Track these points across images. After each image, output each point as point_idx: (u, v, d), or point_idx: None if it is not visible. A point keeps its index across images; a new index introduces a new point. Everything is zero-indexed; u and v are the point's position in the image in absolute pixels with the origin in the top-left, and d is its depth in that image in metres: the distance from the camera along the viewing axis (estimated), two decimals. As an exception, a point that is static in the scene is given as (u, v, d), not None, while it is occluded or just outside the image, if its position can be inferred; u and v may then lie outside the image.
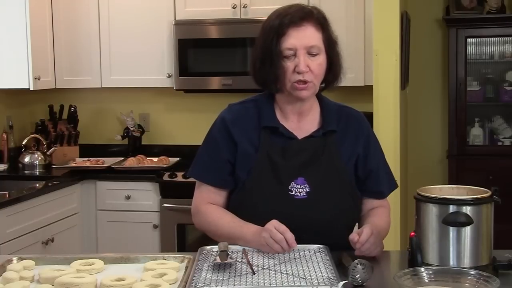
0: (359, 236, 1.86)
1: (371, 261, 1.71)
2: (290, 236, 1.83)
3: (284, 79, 1.95)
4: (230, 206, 2.04)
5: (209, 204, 2.04)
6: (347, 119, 2.08)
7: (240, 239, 1.93)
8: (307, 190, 1.97)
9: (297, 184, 1.97)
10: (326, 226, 1.97)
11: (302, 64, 1.92)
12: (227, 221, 1.99)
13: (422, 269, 1.62)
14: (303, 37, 1.93)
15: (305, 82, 1.94)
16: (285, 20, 1.94)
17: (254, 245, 1.89)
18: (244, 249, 1.88)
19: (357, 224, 2.09)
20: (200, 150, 2.09)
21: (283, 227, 1.84)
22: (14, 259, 1.85)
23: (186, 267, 1.76)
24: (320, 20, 1.98)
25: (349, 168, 2.03)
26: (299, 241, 1.90)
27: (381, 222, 2.05)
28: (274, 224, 1.85)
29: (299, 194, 1.96)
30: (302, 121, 2.04)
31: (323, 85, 2.04)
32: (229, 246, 1.87)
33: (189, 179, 3.79)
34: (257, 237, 1.87)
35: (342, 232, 2.04)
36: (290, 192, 1.96)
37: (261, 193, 1.96)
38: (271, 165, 1.97)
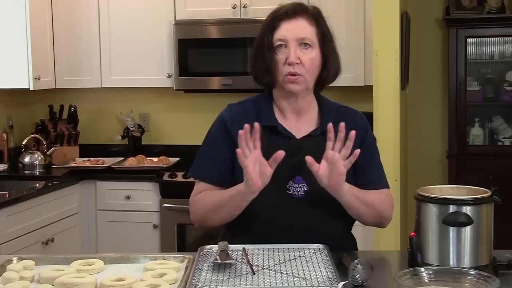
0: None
1: (371, 261, 1.71)
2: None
3: (276, 72, 1.97)
4: None
5: (201, 192, 2.05)
6: (345, 118, 2.07)
7: (233, 197, 1.91)
8: (305, 189, 1.97)
9: (295, 183, 1.97)
10: (325, 225, 1.97)
11: (292, 55, 1.93)
12: (220, 193, 1.98)
13: (422, 269, 1.62)
14: (294, 29, 1.95)
15: (295, 75, 1.94)
16: (278, 14, 1.98)
17: (245, 190, 1.86)
18: (244, 248, 1.88)
19: (356, 221, 2.09)
20: (199, 150, 2.10)
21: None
22: (14, 259, 1.85)
23: (186, 267, 1.76)
24: (314, 15, 2.00)
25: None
26: (298, 240, 1.90)
27: (375, 195, 2.01)
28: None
29: (297, 193, 1.97)
30: (300, 120, 2.05)
31: (319, 88, 2.04)
32: (229, 245, 1.87)
33: (189, 179, 3.79)
34: (244, 181, 1.85)
35: (341, 231, 2.04)
36: (288, 191, 1.97)
37: (259, 192, 1.96)
38: None
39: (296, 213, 1.95)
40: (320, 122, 2.05)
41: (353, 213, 1.98)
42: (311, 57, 1.96)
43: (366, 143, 2.07)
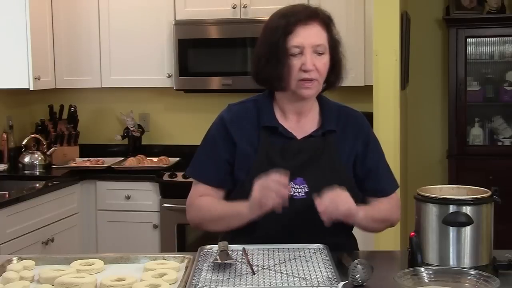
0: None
1: (371, 261, 1.71)
2: (277, 175, 1.80)
3: (289, 77, 1.94)
4: None
5: (201, 197, 2.05)
6: (346, 119, 2.08)
7: (234, 216, 1.92)
8: (306, 190, 1.97)
9: (296, 184, 1.97)
10: (325, 226, 1.96)
11: (309, 62, 1.92)
12: (220, 205, 1.99)
13: (422, 269, 1.62)
14: (310, 36, 1.94)
15: (310, 80, 1.94)
16: (292, 19, 1.94)
17: (247, 213, 1.87)
18: (244, 248, 1.88)
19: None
20: (198, 149, 2.10)
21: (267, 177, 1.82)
22: (14, 259, 1.85)
23: (186, 267, 1.76)
24: (325, 20, 1.99)
25: (348, 168, 2.03)
26: (299, 241, 1.90)
27: (377, 205, 2.03)
28: (259, 181, 1.83)
29: (298, 194, 1.96)
30: (301, 121, 2.04)
31: (324, 85, 2.05)
32: (229, 245, 1.87)
33: (189, 179, 3.78)
34: (250, 204, 1.85)
35: (342, 231, 2.04)
36: (288, 192, 1.96)
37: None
38: (270, 165, 1.97)
39: (297, 214, 1.94)
40: (321, 122, 2.05)
41: (368, 231, 2.01)
42: (324, 62, 1.96)
43: (371, 147, 2.08)
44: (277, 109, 2.05)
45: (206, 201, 2.03)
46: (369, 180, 2.06)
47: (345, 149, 2.03)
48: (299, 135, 2.02)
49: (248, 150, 1.99)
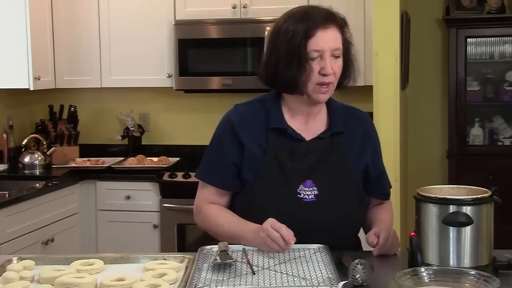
0: (378, 238, 1.92)
1: (371, 261, 1.71)
2: (286, 232, 1.82)
3: (308, 81, 1.92)
4: (238, 208, 2.03)
5: (210, 204, 2.04)
6: (354, 120, 2.07)
7: (241, 239, 1.93)
8: (316, 193, 1.96)
9: (305, 187, 1.96)
10: (334, 229, 1.96)
11: (328, 67, 1.91)
12: (227, 221, 1.99)
13: (422, 269, 1.62)
14: (329, 40, 1.92)
15: (327, 84, 1.93)
16: (311, 22, 1.91)
17: (255, 244, 1.89)
18: (244, 249, 1.88)
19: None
20: (206, 152, 2.08)
21: (278, 225, 1.83)
22: (14, 259, 1.85)
23: (186, 267, 1.76)
24: (341, 23, 1.98)
25: (356, 170, 2.02)
26: (306, 243, 1.90)
27: (391, 218, 2.12)
28: (270, 223, 1.84)
29: (307, 197, 1.95)
30: (309, 122, 2.03)
31: None
32: (229, 245, 1.87)
33: (189, 179, 3.79)
34: (257, 236, 1.87)
35: (349, 234, 2.05)
36: (298, 195, 1.95)
37: (269, 196, 1.95)
38: (279, 167, 1.96)
39: (307, 217, 1.93)
40: (329, 124, 2.04)
41: None
42: (339, 65, 1.95)
43: (378, 152, 2.11)
44: (285, 110, 2.03)
45: (214, 212, 2.02)
46: (379, 183, 2.10)
47: (352, 150, 2.03)
48: (308, 137, 2.01)
49: (257, 152, 1.98)
